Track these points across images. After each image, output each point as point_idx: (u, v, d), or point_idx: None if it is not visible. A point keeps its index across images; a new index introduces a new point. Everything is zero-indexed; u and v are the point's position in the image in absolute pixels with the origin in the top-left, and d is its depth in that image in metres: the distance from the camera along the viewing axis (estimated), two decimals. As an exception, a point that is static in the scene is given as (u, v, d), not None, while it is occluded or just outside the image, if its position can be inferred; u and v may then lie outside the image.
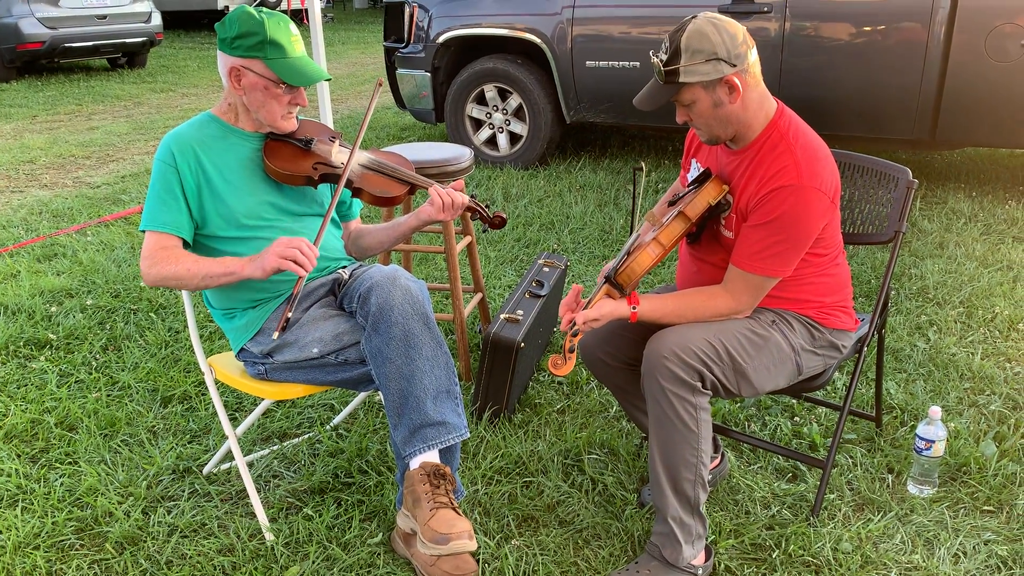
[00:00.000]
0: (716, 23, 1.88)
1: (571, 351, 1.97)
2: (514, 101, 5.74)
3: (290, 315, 2.04)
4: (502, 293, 3.78)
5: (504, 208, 4.95)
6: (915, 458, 2.41)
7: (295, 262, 1.97)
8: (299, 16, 15.63)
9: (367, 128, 7.23)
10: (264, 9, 2.10)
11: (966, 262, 4.04)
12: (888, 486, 2.45)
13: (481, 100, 5.86)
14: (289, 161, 2.17)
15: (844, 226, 2.47)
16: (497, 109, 5.82)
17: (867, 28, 4.72)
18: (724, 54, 1.87)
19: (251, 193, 2.15)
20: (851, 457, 2.57)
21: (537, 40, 5.50)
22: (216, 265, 2.04)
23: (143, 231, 2.10)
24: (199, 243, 2.16)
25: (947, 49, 4.60)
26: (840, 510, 2.34)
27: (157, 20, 10.64)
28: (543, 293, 3.00)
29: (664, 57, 1.91)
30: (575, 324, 1.95)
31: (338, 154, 2.25)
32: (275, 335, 2.06)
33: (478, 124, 5.93)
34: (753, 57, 1.92)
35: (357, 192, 2.25)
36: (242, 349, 2.22)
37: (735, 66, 1.89)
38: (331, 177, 2.20)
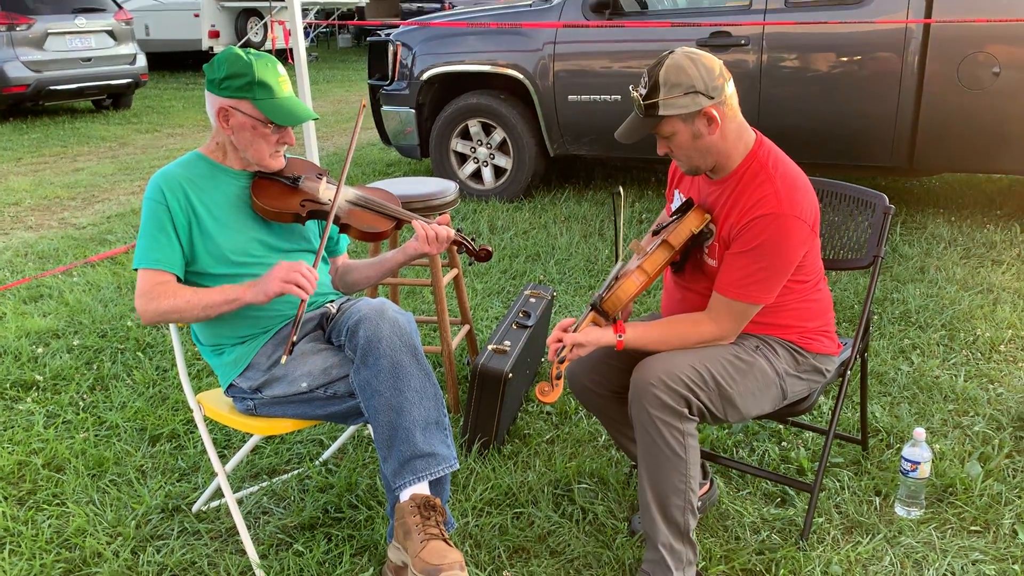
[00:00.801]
0: (693, 57, 1.94)
1: (558, 378, 1.99)
2: (498, 135, 5.81)
3: (295, 338, 2.05)
4: (489, 325, 3.80)
5: (490, 240, 4.99)
6: (902, 480, 2.43)
7: (297, 285, 1.99)
8: (283, 56, 15.77)
9: (353, 164, 7.26)
10: (252, 50, 2.13)
11: (947, 286, 4.10)
12: (876, 508, 2.47)
13: (465, 135, 5.92)
14: (277, 198, 2.19)
15: (825, 252, 2.51)
16: (481, 143, 5.88)
17: (843, 59, 4.83)
18: (702, 87, 1.92)
19: (240, 230, 2.18)
20: (838, 480, 2.59)
21: (520, 76, 5.59)
22: (216, 294, 2.06)
23: (136, 269, 2.11)
24: (189, 280, 2.18)
25: (921, 78, 4.70)
26: (829, 533, 2.36)
27: (142, 61, 10.70)
28: (530, 324, 3.03)
29: (643, 91, 1.96)
30: (562, 350, 1.97)
31: (325, 191, 2.27)
32: (283, 359, 2.06)
33: (463, 158, 5.99)
34: (730, 89, 1.97)
35: (344, 228, 2.27)
36: (231, 385, 2.23)
37: (713, 98, 1.94)
38: (319, 214, 2.22)
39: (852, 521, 2.41)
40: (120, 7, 10.64)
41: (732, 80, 1.99)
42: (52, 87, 9.74)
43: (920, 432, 2.40)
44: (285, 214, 2.18)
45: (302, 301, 2.05)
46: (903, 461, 2.41)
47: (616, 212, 2.09)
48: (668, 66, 1.93)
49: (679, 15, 5.27)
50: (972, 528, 2.38)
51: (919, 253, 4.58)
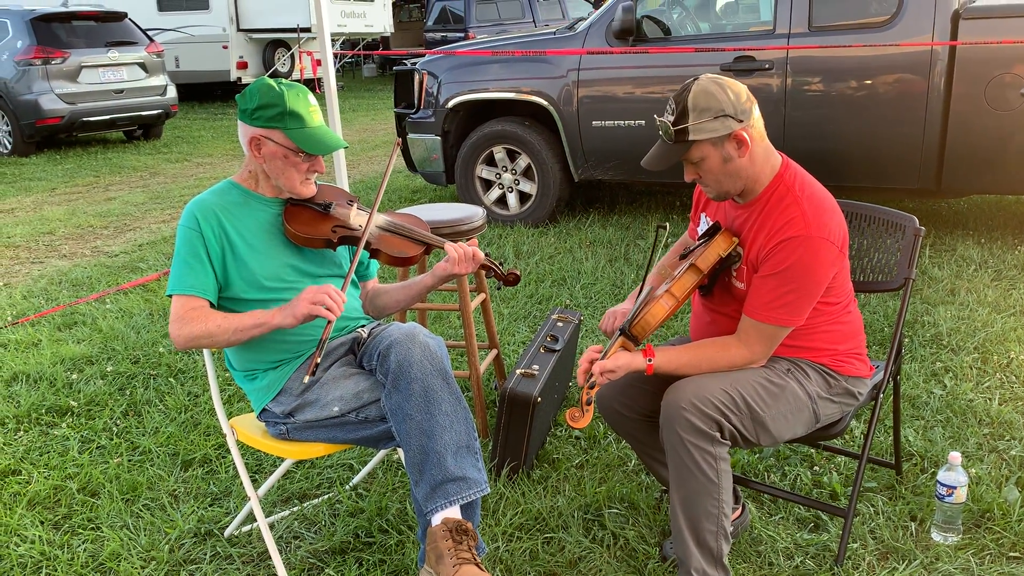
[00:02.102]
0: (719, 82, 1.95)
1: (588, 404, 1.99)
2: (523, 161, 5.85)
3: (319, 359, 2.07)
4: (516, 349, 3.81)
5: (516, 265, 5.01)
6: (937, 505, 2.40)
7: (324, 306, 2.02)
8: (311, 86, 16.02)
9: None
10: (284, 81, 2.18)
11: (978, 308, 4.05)
12: (911, 534, 2.43)
13: (490, 161, 5.97)
14: (309, 225, 2.23)
15: (854, 275, 2.50)
16: (506, 170, 5.93)
17: (868, 81, 4.82)
18: (731, 110, 1.93)
19: (272, 256, 2.21)
20: (872, 505, 2.56)
21: (544, 102, 5.63)
22: (247, 318, 2.09)
23: (170, 295, 2.15)
24: (223, 306, 2.21)
25: (948, 99, 4.69)
26: (864, 559, 2.33)
27: (172, 93, 10.92)
28: (558, 348, 3.03)
29: (671, 118, 1.97)
30: (592, 376, 1.98)
31: (356, 217, 2.31)
32: (306, 378, 2.08)
33: (488, 184, 6.04)
34: (756, 113, 1.99)
35: (375, 253, 2.30)
36: (264, 410, 2.25)
37: (742, 121, 1.95)
38: (350, 239, 2.25)
39: (887, 547, 2.38)
40: (151, 40, 10.88)
41: (757, 104, 2.00)
42: (85, 119, 9.96)
43: (956, 456, 2.37)
44: (316, 240, 2.21)
45: (328, 323, 2.07)
46: (939, 486, 2.37)
47: (656, 246, 2.10)
48: (696, 92, 1.94)
49: (702, 40, 5.30)
50: (1011, 554, 2.33)
51: (949, 275, 4.54)
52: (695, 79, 1.98)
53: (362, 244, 2.21)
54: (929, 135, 4.75)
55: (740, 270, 2.07)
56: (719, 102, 1.93)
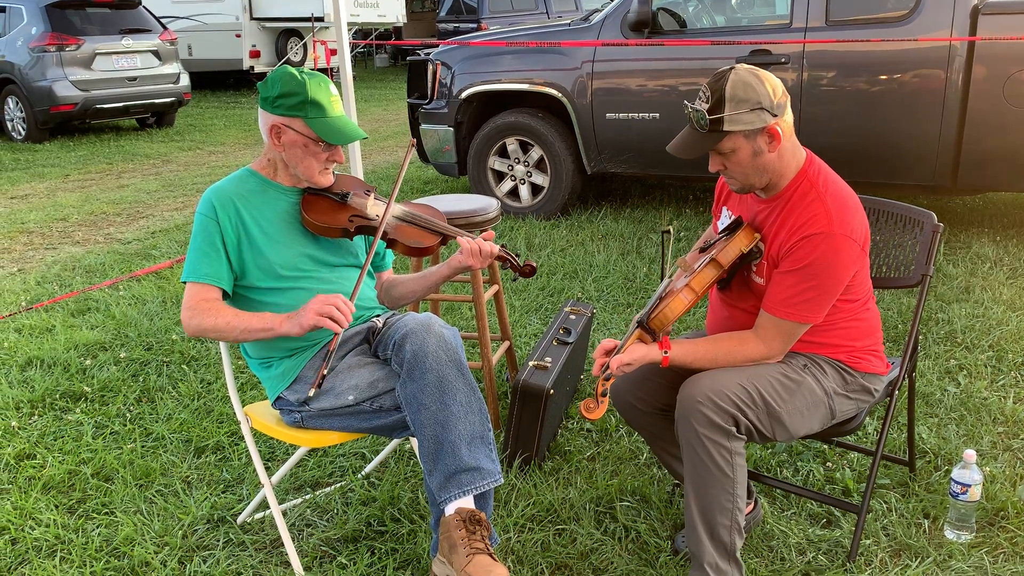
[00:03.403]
0: (757, 74, 1.93)
1: (603, 395, 1.99)
2: (535, 153, 5.83)
3: (326, 372, 2.09)
4: (528, 341, 3.81)
5: (527, 258, 5.00)
6: (951, 503, 2.39)
7: (331, 319, 2.02)
8: (324, 74, 16.01)
9: (394, 182, 7.35)
10: (305, 70, 2.18)
11: (993, 306, 4.03)
12: (925, 531, 2.42)
13: (503, 153, 5.96)
14: (326, 214, 2.23)
15: (871, 271, 2.49)
16: (519, 161, 5.92)
17: (884, 76, 4.79)
18: (767, 103, 1.91)
19: (289, 245, 2.21)
20: (885, 502, 2.55)
21: (557, 94, 5.62)
22: (256, 320, 2.10)
23: (184, 282, 2.16)
24: (238, 294, 2.22)
25: (965, 96, 4.65)
26: (877, 556, 2.32)
27: (185, 81, 10.94)
28: (571, 340, 3.03)
29: (706, 105, 1.94)
30: (608, 368, 1.97)
31: (373, 207, 2.31)
32: (311, 392, 2.10)
33: (500, 176, 6.03)
34: (789, 108, 1.97)
35: (391, 243, 2.30)
36: (278, 398, 2.26)
37: (776, 116, 1.93)
38: (366, 229, 2.25)
39: (900, 544, 2.37)
40: (165, 28, 10.89)
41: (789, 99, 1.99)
42: (99, 105, 9.99)
43: (971, 454, 2.36)
44: (334, 229, 2.21)
45: (335, 335, 2.07)
46: (953, 483, 2.36)
47: (664, 249, 2.10)
48: (734, 81, 1.91)
49: (718, 33, 5.28)
50: (1025, 553, 2.33)
51: (964, 273, 4.51)
52: (732, 68, 1.94)
53: (379, 234, 2.21)
54: (946, 131, 4.71)
55: (760, 265, 2.06)
56: (757, 94, 1.91)
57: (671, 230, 2.18)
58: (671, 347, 2.00)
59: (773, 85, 1.93)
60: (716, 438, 1.94)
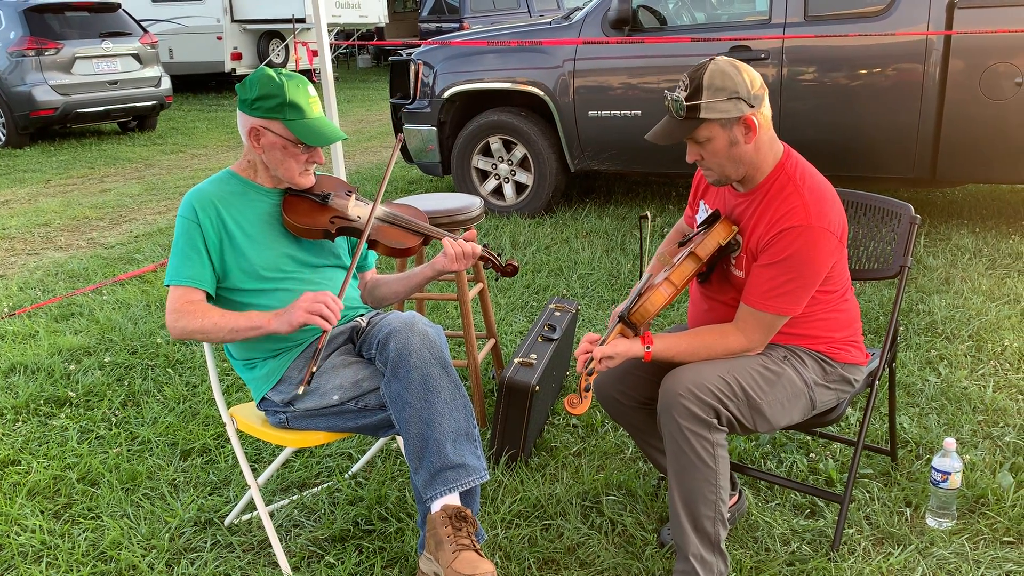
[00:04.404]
0: (736, 65, 1.96)
1: (587, 390, 2.00)
2: (519, 152, 5.85)
3: (315, 368, 2.09)
4: (514, 339, 3.83)
5: (512, 256, 5.02)
6: (932, 491, 2.42)
7: (321, 316, 2.03)
8: (306, 76, 15.96)
9: (376, 182, 7.34)
10: (284, 71, 2.18)
11: (973, 296, 4.07)
12: (907, 520, 2.45)
13: (487, 152, 5.97)
14: (307, 215, 2.23)
15: (850, 263, 2.51)
16: (502, 160, 5.93)
17: (862, 71, 4.83)
18: (744, 94, 1.94)
19: (271, 247, 2.22)
20: (868, 492, 2.58)
21: (540, 92, 5.63)
22: (242, 319, 2.10)
23: (167, 286, 2.16)
24: (221, 296, 2.22)
25: (943, 89, 4.70)
26: (860, 545, 2.35)
27: (167, 84, 10.88)
28: (555, 337, 3.04)
29: (684, 93, 1.97)
30: (590, 362, 1.99)
31: (354, 208, 2.31)
32: (300, 389, 2.10)
33: (484, 175, 6.04)
34: (767, 101, 2.00)
35: (373, 244, 2.31)
36: (263, 399, 2.26)
37: (753, 106, 1.95)
38: (348, 230, 2.26)
39: (883, 532, 2.40)
40: (145, 31, 10.83)
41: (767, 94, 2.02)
42: (79, 110, 9.92)
43: (951, 442, 2.39)
44: (315, 231, 2.22)
45: (323, 332, 2.08)
46: (934, 472, 2.40)
47: (642, 236, 2.11)
48: (712, 71, 1.94)
49: (698, 30, 5.30)
50: (1005, 539, 2.36)
51: (944, 264, 4.56)
52: (711, 59, 1.98)
53: (364, 238, 2.22)
54: (924, 124, 4.76)
55: (739, 258, 2.09)
56: (734, 83, 1.94)
57: (648, 215, 2.19)
58: (653, 342, 2.02)
59: (751, 76, 1.96)
60: (698, 430, 1.96)
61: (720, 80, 1.94)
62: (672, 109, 2.00)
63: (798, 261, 1.97)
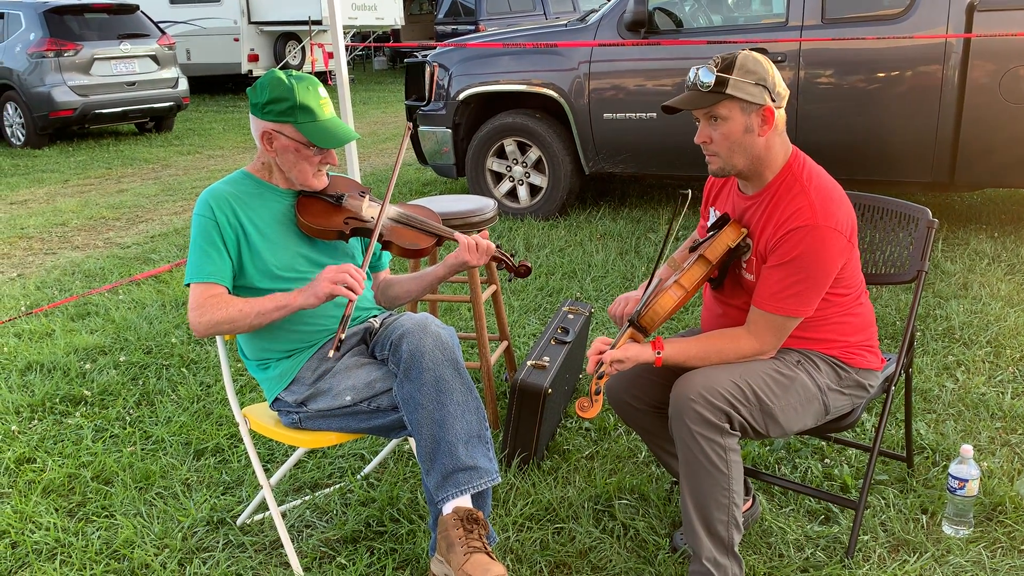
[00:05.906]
0: (768, 60, 1.99)
1: (598, 394, 1.99)
2: (533, 154, 5.84)
3: (343, 336, 2.07)
4: (526, 341, 3.82)
5: (526, 258, 5.01)
6: (949, 498, 2.39)
7: (345, 285, 2.03)
8: (323, 78, 16.03)
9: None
10: (294, 73, 2.18)
11: (991, 302, 4.03)
12: (923, 527, 2.43)
13: (501, 154, 5.97)
14: (321, 216, 2.24)
15: (866, 267, 2.49)
16: (517, 162, 5.92)
17: (880, 74, 4.80)
18: (770, 85, 1.96)
19: (286, 247, 2.22)
20: (883, 498, 2.55)
21: (555, 94, 5.63)
22: (267, 301, 2.10)
23: (188, 284, 2.16)
24: (236, 294, 2.22)
25: (962, 92, 4.66)
26: (875, 552, 2.33)
27: (184, 85, 10.95)
28: (569, 339, 3.03)
29: (716, 66, 1.97)
30: (601, 365, 1.98)
31: (368, 209, 2.31)
32: (331, 353, 2.06)
33: (498, 177, 6.04)
34: (784, 106, 2.01)
35: (387, 245, 2.31)
36: (276, 399, 2.26)
37: (775, 102, 1.96)
38: (362, 231, 2.26)
39: (898, 539, 2.38)
40: (163, 32, 10.91)
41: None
42: (97, 111, 10.00)
43: (968, 449, 2.36)
44: (329, 231, 2.22)
45: (350, 301, 2.08)
46: (950, 479, 2.37)
47: (677, 213, 2.08)
48: (745, 55, 1.97)
49: (715, 33, 5.28)
50: (1023, 548, 2.33)
51: (961, 269, 4.52)
52: (742, 50, 2.00)
53: (375, 237, 2.22)
54: (943, 128, 4.72)
55: (750, 262, 2.07)
56: (764, 72, 1.96)
57: (690, 193, 2.16)
58: (664, 347, 2.01)
59: (778, 75, 2.00)
60: (710, 435, 1.95)
61: (752, 64, 1.96)
62: (698, 84, 1.99)
63: (806, 261, 1.96)
